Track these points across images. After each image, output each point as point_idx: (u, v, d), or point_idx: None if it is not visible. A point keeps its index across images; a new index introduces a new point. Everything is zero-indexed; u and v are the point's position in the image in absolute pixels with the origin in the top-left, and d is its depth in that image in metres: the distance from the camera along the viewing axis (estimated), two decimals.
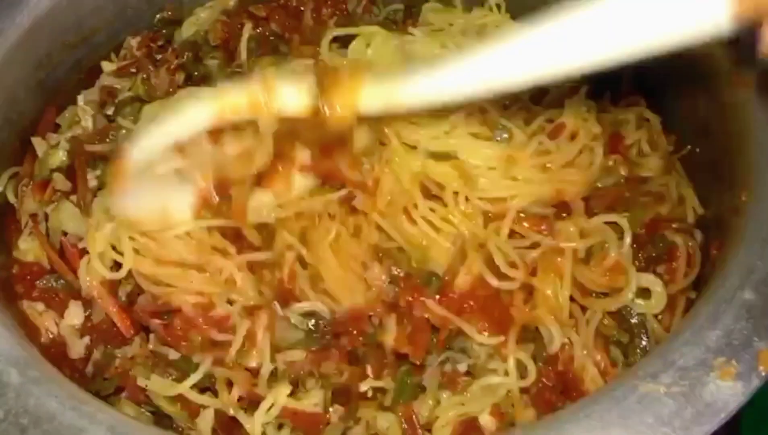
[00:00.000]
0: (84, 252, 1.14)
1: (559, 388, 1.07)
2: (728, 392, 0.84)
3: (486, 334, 1.06)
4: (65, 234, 1.19)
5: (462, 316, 1.06)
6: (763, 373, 0.85)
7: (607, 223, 1.14)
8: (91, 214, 1.16)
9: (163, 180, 1.09)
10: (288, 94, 1.02)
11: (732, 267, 0.96)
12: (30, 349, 0.95)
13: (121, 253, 1.10)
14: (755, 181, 1.05)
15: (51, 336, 1.13)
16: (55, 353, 1.10)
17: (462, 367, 1.07)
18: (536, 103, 1.29)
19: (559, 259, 1.09)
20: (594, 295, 1.11)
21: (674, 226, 1.19)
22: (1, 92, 1.24)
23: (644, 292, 1.11)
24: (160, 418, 1.06)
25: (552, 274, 1.09)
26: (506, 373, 1.05)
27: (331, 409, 1.05)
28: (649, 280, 1.12)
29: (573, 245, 1.10)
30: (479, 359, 1.07)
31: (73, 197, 1.21)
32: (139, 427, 0.88)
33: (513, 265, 1.09)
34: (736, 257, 0.97)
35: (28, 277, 1.17)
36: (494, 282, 1.08)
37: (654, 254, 1.16)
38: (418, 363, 1.06)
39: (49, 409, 0.87)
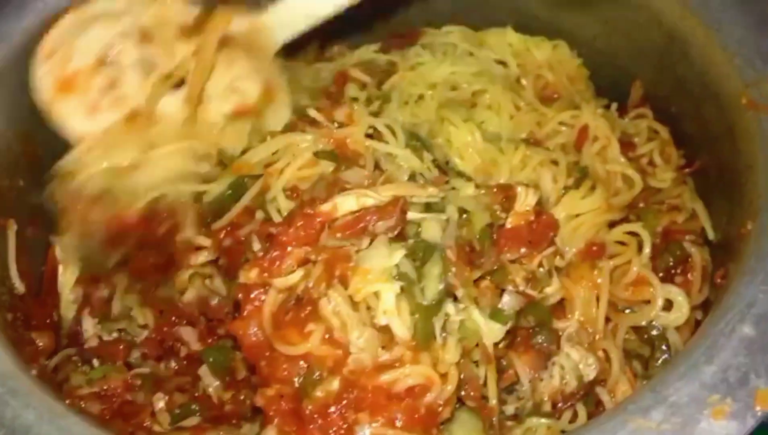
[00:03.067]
0: None
1: None
2: (721, 432, 0.80)
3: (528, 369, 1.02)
4: None
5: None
6: (759, 413, 0.81)
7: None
8: None
9: None
10: None
11: (733, 299, 0.91)
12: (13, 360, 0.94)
13: None
14: (762, 208, 1.00)
15: None
16: None
17: (509, 410, 1.03)
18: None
19: (595, 272, 1.07)
20: (619, 309, 1.09)
21: (688, 238, 1.16)
22: (5, 96, 1.23)
23: (665, 304, 1.09)
24: None
25: (585, 281, 1.07)
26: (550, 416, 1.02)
27: None
28: (671, 290, 1.09)
29: (609, 264, 1.08)
30: (528, 403, 1.03)
31: None
32: None
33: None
34: (738, 289, 0.92)
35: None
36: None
37: (671, 263, 1.13)
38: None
39: (25, 422, 0.86)
